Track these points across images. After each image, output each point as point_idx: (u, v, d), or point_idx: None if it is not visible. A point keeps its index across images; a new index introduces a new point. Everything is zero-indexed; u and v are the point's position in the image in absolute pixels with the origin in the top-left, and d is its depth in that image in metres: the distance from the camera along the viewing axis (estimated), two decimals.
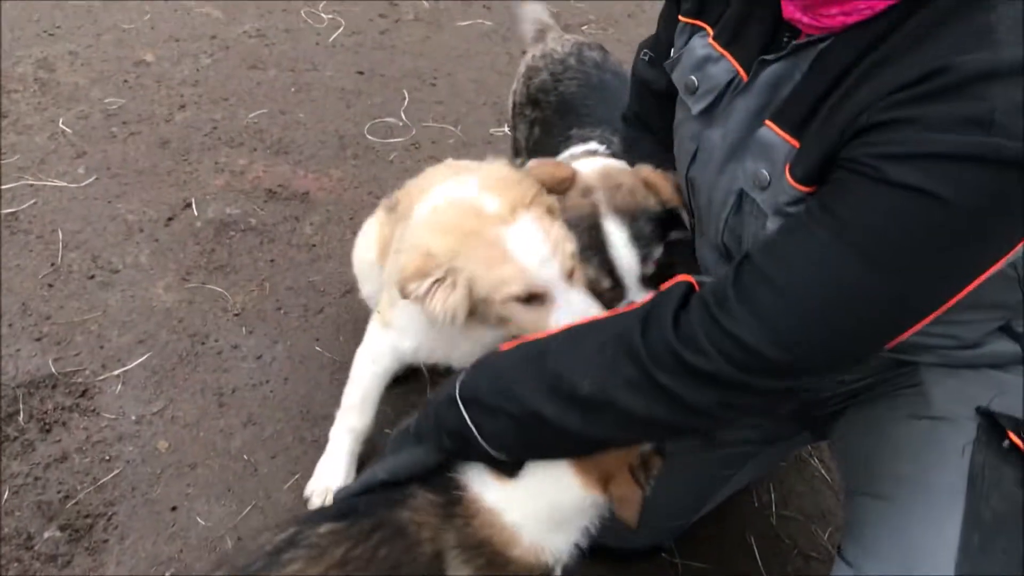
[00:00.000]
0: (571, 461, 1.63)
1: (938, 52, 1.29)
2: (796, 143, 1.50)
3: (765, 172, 1.55)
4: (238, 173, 3.55)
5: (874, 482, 1.64)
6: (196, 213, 3.32)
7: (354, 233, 2.82)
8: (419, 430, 1.68)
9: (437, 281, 1.73)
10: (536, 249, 1.74)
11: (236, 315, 2.96)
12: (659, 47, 2.01)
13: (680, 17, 1.86)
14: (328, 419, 2.46)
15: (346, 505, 1.67)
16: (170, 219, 3.29)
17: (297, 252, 3.20)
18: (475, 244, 1.73)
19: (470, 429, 1.57)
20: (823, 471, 2.71)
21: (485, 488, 1.66)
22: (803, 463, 2.72)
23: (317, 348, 2.88)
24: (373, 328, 2.29)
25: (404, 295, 1.77)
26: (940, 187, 1.24)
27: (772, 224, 1.53)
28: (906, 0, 1.38)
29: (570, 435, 1.51)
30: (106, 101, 3.84)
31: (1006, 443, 1.55)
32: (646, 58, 2.07)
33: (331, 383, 2.74)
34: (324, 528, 1.62)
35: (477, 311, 1.79)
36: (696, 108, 1.74)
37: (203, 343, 2.87)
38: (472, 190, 1.80)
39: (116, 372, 2.74)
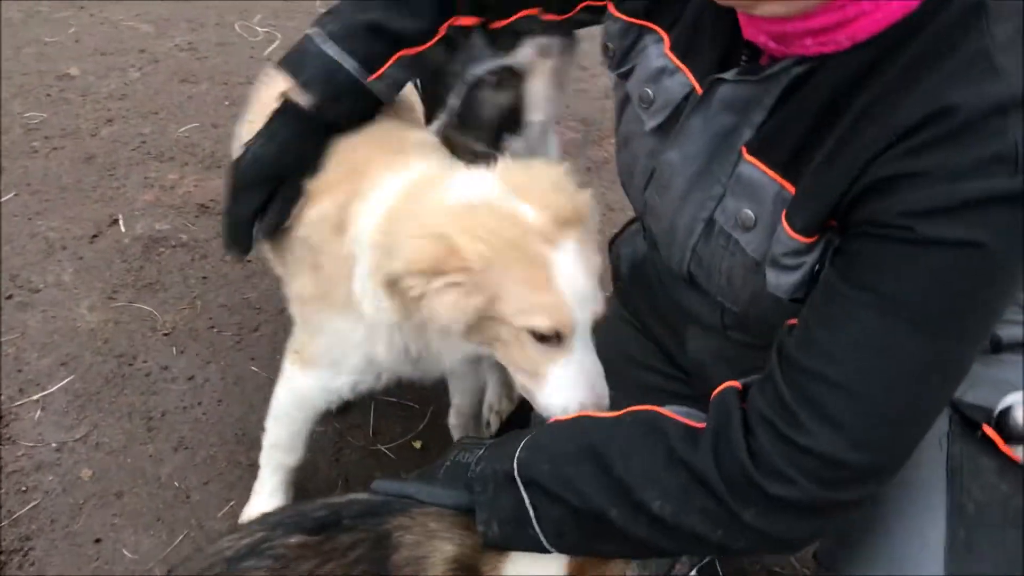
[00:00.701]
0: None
1: (938, 89, 1.22)
2: (787, 184, 1.40)
3: (750, 213, 1.45)
4: (168, 188, 3.39)
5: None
6: (123, 230, 3.15)
7: None
8: (472, 488, 1.52)
9: (454, 284, 1.50)
10: (580, 284, 1.53)
11: (166, 335, 2.80)
12: None
13: (620, 14, 1.70)
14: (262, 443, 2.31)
15: (329, 515, 1.51)
16: (95, 236, 3.12)
17: (230, 268, 3.05)
18: (514, 258, 1.50)
19: (528, 513, 1.44)
20: None
21: None
22: None
23: (253, 368, 2.73)
24: (291, 372, 2.02)
25: (397, 285, 1.54)
26: (979, 234, 1.20)
27: (773, 276, 1.42)
28: (892, 29, 1.29)
29: (635, 540, 1.40)
30: (26, 115, 3.66)
31: (979, 434, 1.49)
32: None
33: (267, 404, 2.58)
34: (295, 539, 1.47)
35: (476, 327, 1.56)
36: (651, 124, 1.63)
37: (130, 364, 2.70)
38: (502, 190, 1.58)
39: (35, 397, 2.56)
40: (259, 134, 1.80)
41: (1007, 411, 1.46)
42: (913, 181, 1.22)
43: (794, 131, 1.39)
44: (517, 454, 1.47)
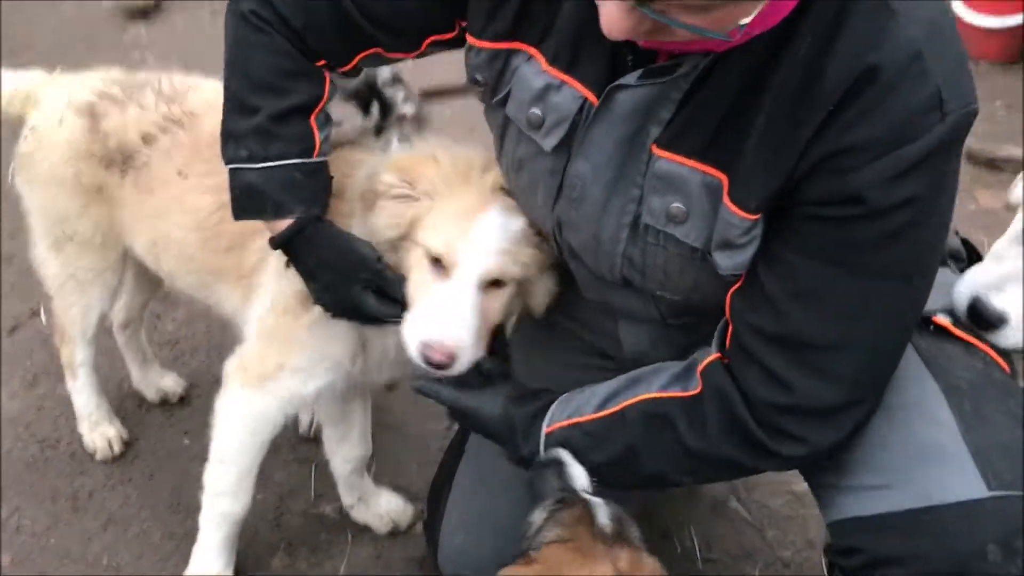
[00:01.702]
0: None
1: (855, 50, 1.29)
2: (709, 170, 1.43)
3: (680, 205, 1.48)
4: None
5: None
6: (44, 321, 3.03)
7: (221, 328, 2.63)
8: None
9: (406, 196, 1.69)
10: (487, 237, 1.66)
11: None
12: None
13: (481, 43, 1.62)
14: (200, 508, 2.17)
15: None
16: (13, 328, 3.01)
17: (159, 349, 2.94)
18: (453, 196, 1.69)
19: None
20: (743, 511, 2.56)
21: None
22: (721, 505, 2.57)
23: (186, 441, 2.62)
24: (241, 394, 1.97)
25: (372, 188, 1.73)
26: (924, 186, 1.33)
27: (726, 259, 1.47)
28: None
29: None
30: None
31: (931, 327, 1.57)
32: None
33: (203, 473, 2.46)
34: None
35: (396, 245, 1.73)
36: (549, 144, 1.58)
37: (53, 447, 2.57)
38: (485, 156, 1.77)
39: None
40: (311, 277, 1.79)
41: (975, 303, 1.55)
42: (856, 156, 1.31)
43: (708, 118, 1.42)
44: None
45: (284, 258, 1.79)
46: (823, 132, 1.32)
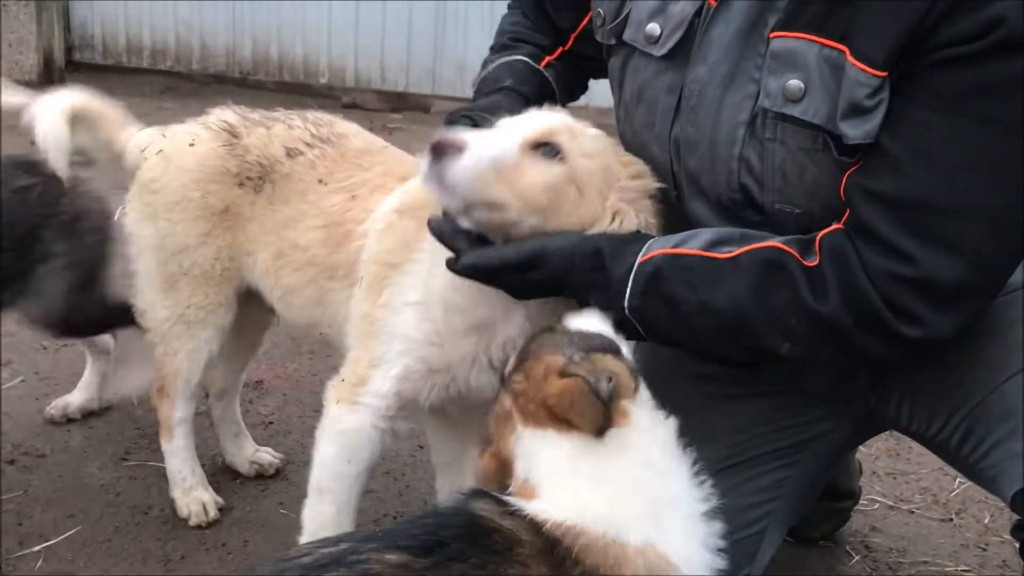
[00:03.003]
0: None
1: None
2: (827, 42, 1.43)
3: (798, 82, 1.46)
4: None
5: (1002, 370, 1.49)
6: (135, 403, 2.97)
7: (315, 412, 2.55)
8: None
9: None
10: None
11: None
12: None
13: None
14: None
15: (432, 538, 1.27)
16: (106, 408, 2.94)
17: (252, 430, 2.84)
18: None
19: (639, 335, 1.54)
20: None
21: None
22: None
23: (281, 511, 2.48)
24: (335, 412, 1.88)
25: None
26: None
27: (855, 127, 1.41)
28: None
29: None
30: None
31: None
32: None
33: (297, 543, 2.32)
34: (393, 557, 1.23)
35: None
36: (664, 49, 1.64)
37: (145, 514, 2.45)
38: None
39: (36, 548, 2.27)
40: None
41: None
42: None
43: None
44: (628, 297, 1.50)
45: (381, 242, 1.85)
46: None
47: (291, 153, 2.07)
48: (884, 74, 1.37)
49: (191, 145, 2.14)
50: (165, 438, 2.42)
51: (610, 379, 1.29)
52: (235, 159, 2.11)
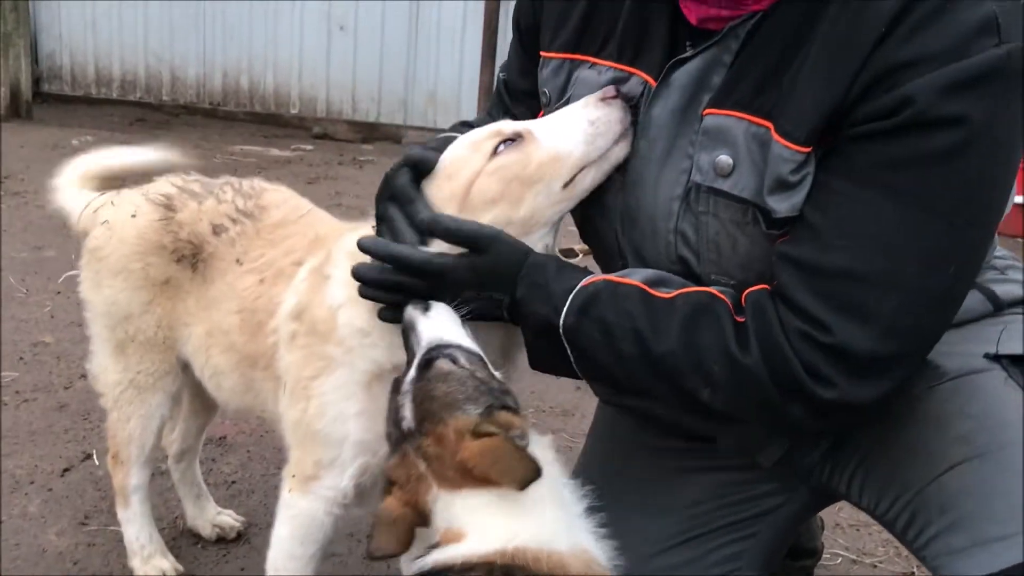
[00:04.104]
0: None
1: None
2: (754, 119, 1.47)
3: (727, 157, 1.51)
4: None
5: (941, 462, 1.48)
6: (97, 463, 2.95)
7: (278, 469, 2.53)
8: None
9: None
10: None
11: None
12: (511, 72, 1.97)
13: (549, 53, 1.78)
14: None
15: None
16: (66, 470, 2.92)
17: (215, 490, 2.82)
18: None
19: (568, 358, 1.57)
20: None
21: None
22: None
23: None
24: (290, 500, 1.87)
25: None
26: (977, 110, 1.29)
27: (781, 201, 1.44)
28: None
29: (665, 408, 1.61)
30: None
31: None
32: (503, 75, 1.99)
33: None
34: None
35: None
36: None
37: None
38: None
39: None
40: None
41: None
42: (908, 70, 1.30)
43: (754, 72, 1.48)
44: (564, 315, 1.53)
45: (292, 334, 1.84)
46: (875, 52, 1.34)
47: (216, 230, 2.07)
48: (807, 150, 1.41)
49: (132, 216, 2.13)
50: (121, 505, 2.39)
51: (522, 435, 1.36)
52: (170, 235, 2.10)
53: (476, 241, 1.56)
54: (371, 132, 8.39)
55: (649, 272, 1.57)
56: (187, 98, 8.93)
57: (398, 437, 1.44)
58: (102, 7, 8.58)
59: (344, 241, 1.80)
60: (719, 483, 1.87)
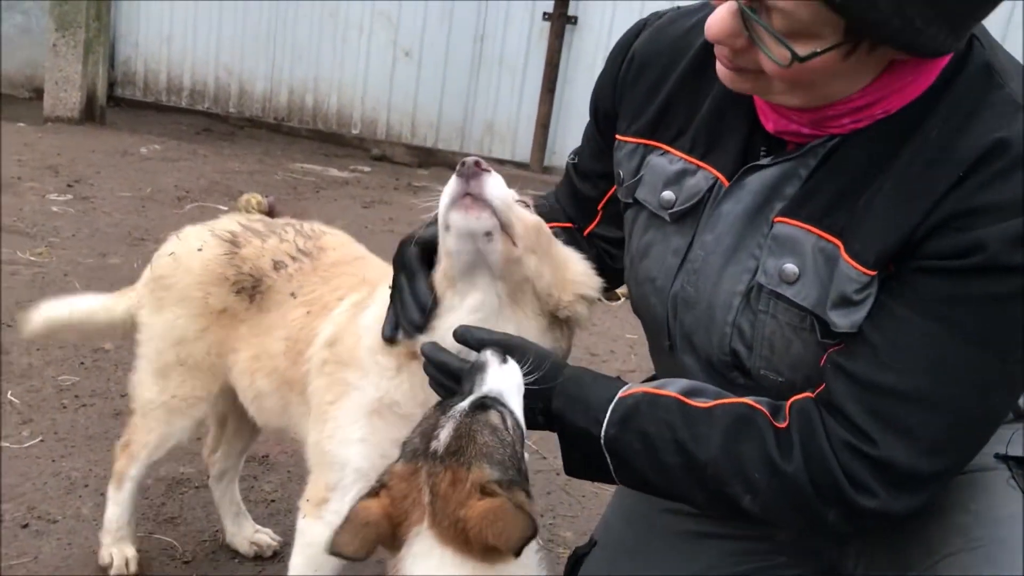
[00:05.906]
0: None
1: (985, 129, 1.44)
2: (824, 235, 1.57)
3: (793, 266, 1.59)
4: (195, 438, 3.38)
5: (938, 549, 1.57)
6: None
7: None
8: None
9: None
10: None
11: (186, 563, 2.71)
12: (582, 157, 2.07)
13: (625, 137, 1.88)
14: None
15: None
16: None
17: (254, 507, 2.97)
18: None
19: (608, 468, 1.64)
20: None
21: None
22: None
23: None
24: (305, 526, 2.01)
25: None
26: None
27: (842, 316, 1.53)
28: (921, 97, 1.52)
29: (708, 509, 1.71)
30: (59, 378, 3.73)
31: None
32: (573, 160, 2.10)
33: None
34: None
35: None
36: (675, 212, 1.77)
37: None
38: None
39: None
40: None
41: None
42: (983, 216, 1.39)
43: (829, 190, 1.57)
44: (605, 427, 1.61)
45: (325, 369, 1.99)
46: (951, 193, 1.43)
47: (277, 266, 2.26)
48: (874, 273, 1.50)
49: (199, 250, 2.33)
50: (114, 487, 2.57)
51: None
52: (233, 268, 2.29)
53: (509, 351, 1.61)
54: (428, 157, 8.57)
55: (685, 383, 1.65)
56: (253, 111, 9.18)
57: (419, 451, 1.42)
58: (179, 20, 8.89)
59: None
60: (735, 550, 1.97)
